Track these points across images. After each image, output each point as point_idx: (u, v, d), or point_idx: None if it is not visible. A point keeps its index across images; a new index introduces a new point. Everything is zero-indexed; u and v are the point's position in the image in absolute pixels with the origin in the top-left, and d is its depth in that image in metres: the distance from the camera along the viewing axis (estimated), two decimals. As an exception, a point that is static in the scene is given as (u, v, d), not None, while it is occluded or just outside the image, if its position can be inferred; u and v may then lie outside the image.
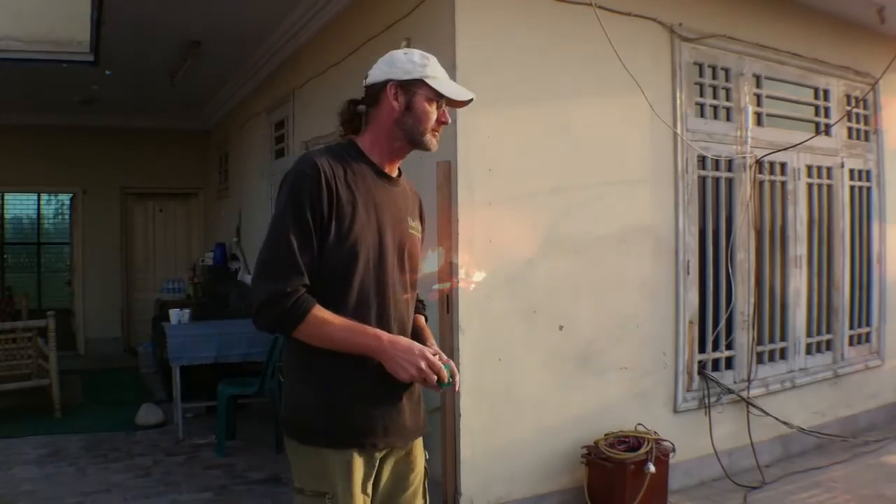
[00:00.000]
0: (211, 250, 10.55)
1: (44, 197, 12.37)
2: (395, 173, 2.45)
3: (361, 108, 2.45)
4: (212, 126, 11.76)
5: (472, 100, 2.40)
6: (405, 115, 2.34)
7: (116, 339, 11.69)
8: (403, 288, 2.42)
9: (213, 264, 10.19)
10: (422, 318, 2.64)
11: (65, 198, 12.24)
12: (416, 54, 2.40)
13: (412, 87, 2.34)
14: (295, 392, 2.35)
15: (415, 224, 2.49)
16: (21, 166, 11.05)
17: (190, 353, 6.40)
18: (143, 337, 10.75)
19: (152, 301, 11.29)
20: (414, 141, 2.37)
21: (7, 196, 12.05)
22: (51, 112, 10.77)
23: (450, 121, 2.40)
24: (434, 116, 2.36)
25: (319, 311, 2.18)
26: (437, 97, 2.35)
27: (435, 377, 2.21)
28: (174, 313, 6.92)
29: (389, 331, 2.29)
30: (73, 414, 7.46)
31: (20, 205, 12.35)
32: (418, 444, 2.51)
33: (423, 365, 2.19)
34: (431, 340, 2.52)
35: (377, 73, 2.41)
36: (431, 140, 2.38)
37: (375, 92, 2.38)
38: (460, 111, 4.25)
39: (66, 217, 12.32)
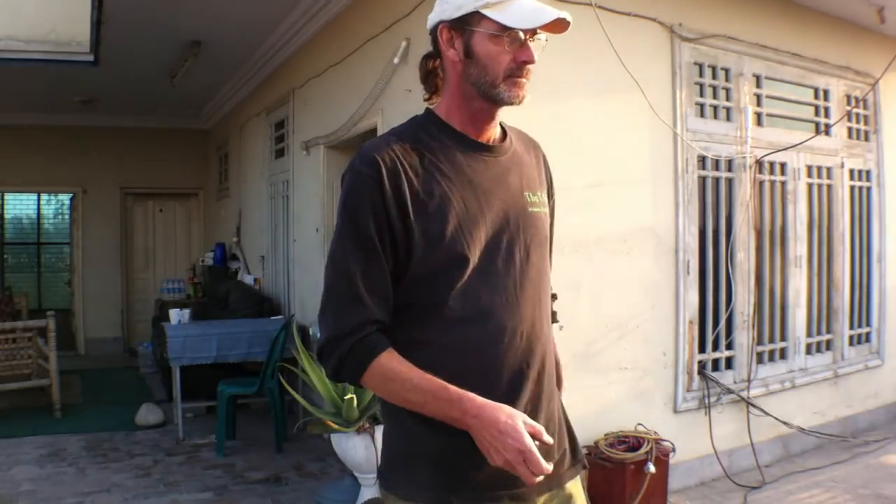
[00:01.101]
0: (211, 250, 10.58)
1: (44, 197, 12.37)
2: (492, 138, 1.89)
3: (436, 63, 1.91)
4: (211, 126, 11.76)
5: (562, 20, 1.78)
6: (468, 66, 1.78)
7: (116, 339, 11.68)
8: (536, 295, 1.84)
9: (213, 264, 10.22)
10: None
11: (65, 198, 12.24)
12: None
13: (468, 24, 1.76)
14: (386, 434, 1.89)
15: (536, 197, 1.89)
16: (21, 166, 11.05)
17: (190, 353, 6.41)
18: (143, 337, 10.75)
19: (152, 301, 11.31)
20: (489, 96, 1.78)
21: (7, 196, 12.05)
22: (51, 112, 10.77)
23: (534, 59, 1.77)
24: (506, 58, 1.75)
25: (387, 362, 1.70)
26: (504, 30, 1.74)
27: (531, 473, 1.59)
28: (174, 313, 6.92)
29: (522, 368, 1.78)
30: (73, 414, 7.45)
31: (20, 205, 12.35)
32: (573, 486, 1.92)
33: (512, 456, 1.59)
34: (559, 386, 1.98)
35: (431, 14, 1.87)
36: (510, 91, 1.76)
37: (434, 41, 1.88)
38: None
39: (66, 217, 12.31)
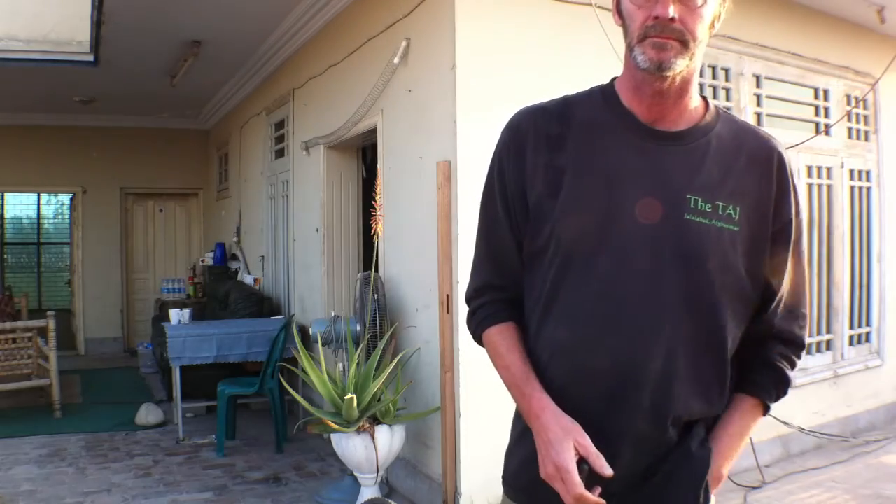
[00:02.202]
0: (211, 250, 10.58)
1: (44, 197, 12.37)
2: (667, 121, 1.60)
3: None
4: (211, 126, 11.76)
5: None
6: (624, 29, 1.57)
7: (116, 339, 11.68)
8: (673, 320, 1.53)
9: (213, 264, 10.22)
10: (750, 406, 1.68)
11: (65, 198, 12.24)
12: None
13: None
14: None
15: (709, 206, 1.54)
16: (21, 166, 11.06)
17: (190, 352, 6.40)
18: (143, 337, 10.76)
19: (152, 301, 11.32)
20: (634, 63, 1.53)
21: (7, 196, 12.04)
22: (51, 112, 10.77)
23: (669, 12, 1.46)
24: (640, 15, 1.50)
25: (494, 336, 1.69)
26: None
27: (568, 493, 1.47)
28: (174, 313, 6.92)
29: (616, 394, 1.55)
30: (73, 414, 7.45)
31: (20, 205, 12.34)
32: None
33: (551, 471, 1.50)
34: (723, 446, 1.65)
35: None
36: (644, 53, 1.49)
37: None
38: (459, 111, 4.28)
39: (66, 217, 12.31)
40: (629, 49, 1.54)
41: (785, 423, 5.71)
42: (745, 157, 1.60)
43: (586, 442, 1.49)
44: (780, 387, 1.67)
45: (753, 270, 1.58)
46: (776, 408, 5.07)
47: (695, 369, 1.55)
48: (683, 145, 1.58)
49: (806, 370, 6.06)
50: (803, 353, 1.71)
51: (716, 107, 1.68)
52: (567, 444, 1.48)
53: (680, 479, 1.59)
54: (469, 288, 1.76)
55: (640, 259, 1.53)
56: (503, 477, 1.75)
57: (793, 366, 1.68)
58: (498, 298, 1.71)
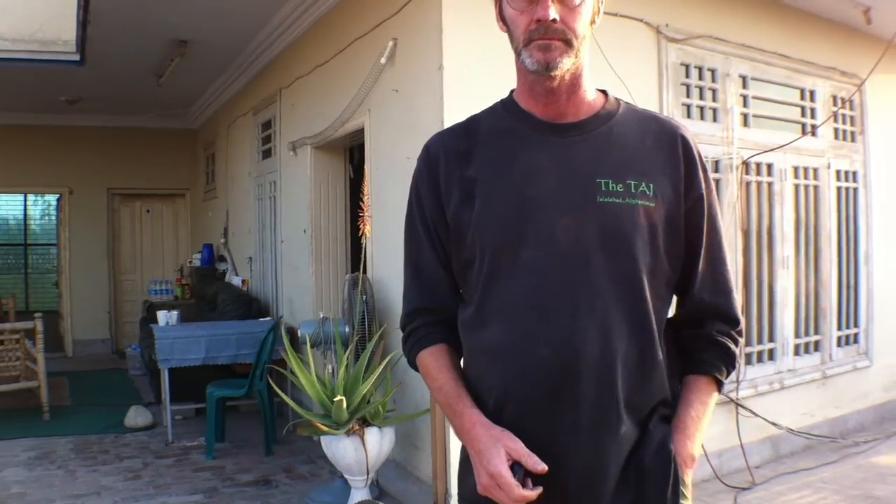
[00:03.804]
0: (198, 251, 10.54)
1: (30, 198, 12.32)
2: (566, 116, 1.65)
3: None
4: (199, 126, 11.72)
5: None
6: (510, 35, 1.63)
7: (104, 341, 11.64)
8: (601, 301, 1.56)
9: (200, 265, 10.19)
10: (702, 384, 1.70)
11: (51, 198, 12.19)
12: None
13: None
14: None
15: (620, 186, 1.58)
16: (7, 167, 11.00)
17: (178, 354, 6.39)
18: (132, 338, 10.73)
19: (140, 302, 11.27)
20: (523, 66, 1.60)
21: (-6, 197, 12.01)
22: (37, 112, 10.72)
23: (549, 14, 1.51)
24: (524, 19, 1.56)
25: (426, 358, 1.73)
26: None
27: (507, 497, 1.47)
28: (162, 315, 6.90)
29: (557, 387, 1.55)
30: (61, 416, 7.41)
31: (6, 206, 12.29)
32: None
33: (485, 480, 1.51)
34: (687, 427, 1.65)
35: None
36: (532, 56, 1.55)
37: None
38: (447, 111, 4.27)
39: (53, 218, 12.27)
40: (517, 53, 1.60)
41: (774, 424, 5.74)
42: (650, 139, 1.65)
43: (516, 445, 1.50)
44: (727, 361, 1.70)
45: (670, 248, 1.62)
46: (765, 410, 5.08)
47: (630, 351, 1.57)
48: (585, 133, 1.63)
49: (794, 371, 6.08)
50: (742, 328, 1.73)
51: (616, 98, 1.73)
52: (497, 451, 1.50)
53: (649, 471, 1.60)
54: (402, 314, 1.79)
55: (563, 248, 1.55)
56: (459, 494, 1.75)
57: (735, 342, 1.71)
58: (428, 321, 1.74)
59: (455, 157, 1.67)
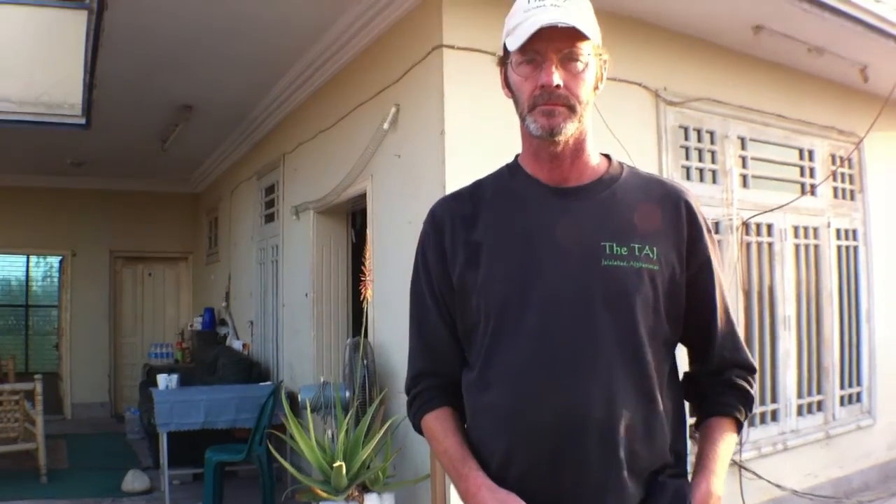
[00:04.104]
0: (200, 315, 10.52)
1: (33, 259, 12.34)
2: (570, 181, 1.68)
3: None
4: (202, 190, 11.80)
5: (556, 27, 1.52)
6: (514, 103, 1.67)
7: (104, 404, 11.55)
8: (603, 364, 1.56)
9: (201, 329, 10.15)
10: (723, 425, 1.73)
11: (54, 260, 12.20)
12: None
13: (505, 59, 1.68)
14: None
15: (624, 250, 1.59)
16: (10, 228, 11.04)
17: (177, 418, 6.33)
18: (131, 402, 10.65)
19: (140, 365, 11.21)
20: (528, 131, 1.64)
21: (-4, 258, 12.04)
22: (41, 174, 10.80)
23: (553, 80, 1.55)
24: (528, 86, 1.59)
25: (430, 422, 1.73)
26: (521, 56, 1.60)
27: None
28: (162, 378, 6.87)
29: (558, 451, 1.55)
30: (59, 479, 7.34)
31: (9, 266, 12.31)
32: None
33: None
34: (711, 463, 1.67)
35: None
36: (536, 122, 1.59)
37: None
38: (448, 176, 4.30)
39: (55, 280, 12.26)
40: (522, 119, 1.64)
41: (778, 485, 5.67)
42: (655, 203, 1.67)
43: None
44: (745, 403, 1.75)
45: (671, 310, 1.64)
46: (769, 471, 5.01)
47: (634, 415, 1.56)
48: (590, 198, 1.66)
49: (798, 432, 6.02)
50: (756, 374, 1.81)
51: (619, 162, 1.76)
52: None
53: None
54: (407, 378, 1.81)
55: (567, 311, 1.57)
56: None
57: (751, 386, 1.76)
58: (433, 385, 1.76)
59: (460, 221, 1.70)
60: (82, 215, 11.47)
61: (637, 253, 1.60)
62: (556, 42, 1.56)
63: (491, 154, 4.40)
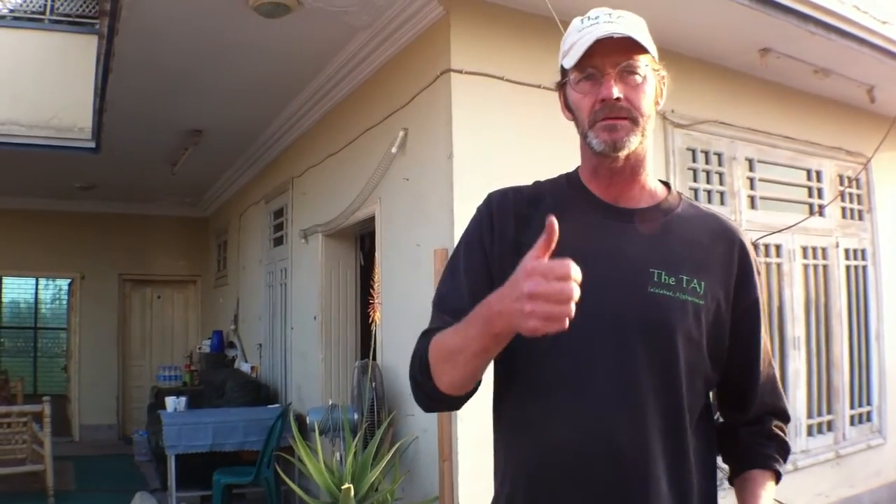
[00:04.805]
0: (208, 338, 10.53)
1: (42, 282, 12.40)
2: (636, 202, 1.66)
3: None
4: (211, 214, 11.85)
5: (614, 38, 1.52)
6: (576, 121, 1.65)
7: (111, 426, 11.54)
8: (635, 396, 1.53)
9: (210, 351, 10.16)
10: (765, 478, 1.69)
11: (63, 283, 12.25)
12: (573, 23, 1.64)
13: (564, 81, 1.66)
14: None
15: (672, 280, 1.56)
16: (20, 250, 11.08)
17: (186, 441, 6.33)
18: (139, 424, 10.63)
19: (148, 388, 11.21)
20: (589, 148, 1.61)
21: (5, 280, 12.07)
22: (51, 197, 10.87)
23: (613, 93, 1.53)
24: (587, 102, 1.57)
25: (437, 337, 1.53)
26: (580, 74, 1.58)
27: (559, 307, 1.23)
28: (170, 401, 6.87)
29: (577, 473, 1.53)
30: (66, 501, 7.34)
31: (18, 289, 12.37)
32: None
33: (526, 289, 1.24)
34: None
35: None
36: (597, 137, 1.56)
37: None
38: (456, 199, 4.31)
39: (64, 302, 12.31)
40: (583, 137, 1.61)
41: (790, 508, 5.63)
42: (709, 237, 1.64)
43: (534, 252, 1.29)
44: (784, 455, 1.73)
45: (713, 349, 1.60)
46: (779, 491, 4.99)
47: (664, 443, 1.53)
48: (646, 222, 1.62)
49: (808, 452, 6.00)
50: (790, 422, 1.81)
51: (678, 192, 1.74)
52: (522, 266, 1.28)
53: None
54: (432, 315, 1.67)
55: (606, 333, 1.53)
56: None
57: (787, 436, 1.76)
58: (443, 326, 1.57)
59: (514, 219, 1.65)
60: (91, 238, 11.50)
61: (685, 285, 1.56)
62: (613, 56, 1.54)
63: (499, 178, 4.41)
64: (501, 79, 4.52)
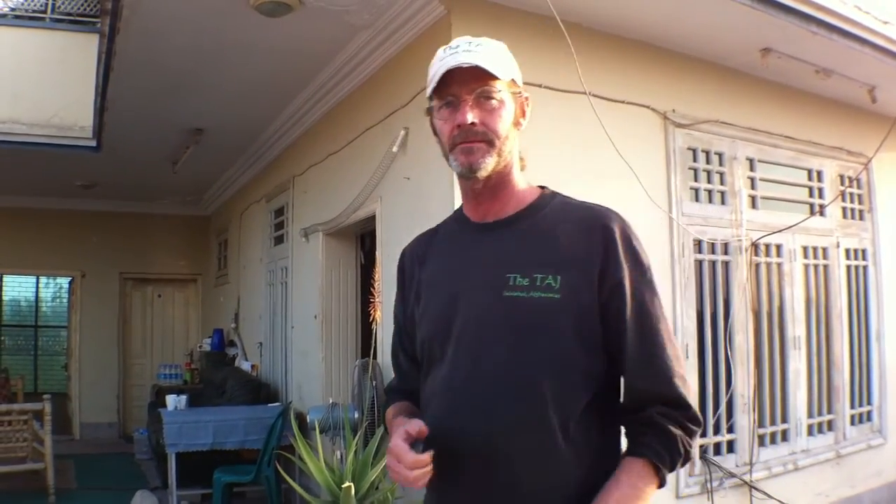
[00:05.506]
0: (209, 336, 10.53)
1: (42, 280, 12.39)
2: (498, 215, 1.76)
3: None
4: (212, 212, 11.85)
5: (464, 68, 1.64)
6: (440, 144, 1.76)
7: (112, 425, 11.54)
8: (496, 391, 1.64)
9: (210, 350, 10.16)
10: (633, 467, 1.63)
11: (63, 281, 12.25)
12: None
13: (430, 105, 1.77)
14: None
15: (525, 281, 1.65)
16: (20, 249, 11.09)
17: (186, 439, 6.34)
18: (139, 422, 10.64)
19: (149, 386, 11.22)
20: (453, 170, 1.73)
21: (6, 278, 12.07)
22: (51, 196, 10.87)
23: (468, 119, 1.65)
24: (447, 127, 1.69)
25: (389, 411, 1.91)
26: (439, 101, 1.71)
27: (406, 482, 1.58)
28: (171, 399, 6.87)
29: (451, 467, 1.64)
30: (67, 499, 7.35)
31: (19, 287, 12.37)
32: None
33: (387, 460, 1.62)
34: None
35: None
36: (457, 160, 1.68)
37: None
38: (457, 198, 4.31)
39: (65, 301, 12.31)
40: (446, 160, 1.73)
41: (789, 507, 5.64)
42: (572, 231, 1.69)
43: (408, 426, 1.60)
44: (667, 444, 1.62)
45: (584, 338, 1.64)
46: (779, 491, 4.95)
47: (525, 442, 1.61)
48: (509, 230, 1.73)
49: (808, 452, 5.99)
50: (695, 414, 1.66)
51: (553, 193, 1.83)
52: (395, 436, 1.61)
53: None
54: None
55: (473, 342, 1.67)
56: None
57: (683, 427, 1.64)
58: (399, 394, 1.96)
59: (417, 261, 1.88)
60: (92, 237, 11.51)
61: (538, 283, 1.64)
62: (469, 84, 1.66)
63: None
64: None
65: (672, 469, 1.63)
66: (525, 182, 1.81)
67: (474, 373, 1.65)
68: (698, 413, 1.67)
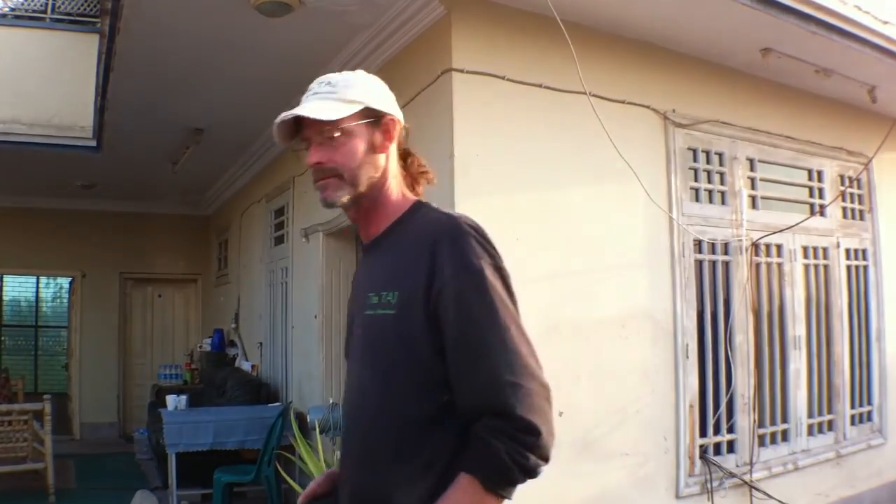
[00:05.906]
0: (209, 336, 10.53)
1: (43, 280, 12.40)
2: (375, 234, 1.86)
3: None
4: (212, 212, 11.85)
5: (290, 116, 1.78)
6: None
7: (112, 425, 11.54)
8: (362, 402, 1.77)
9: (210, 350, 10.16)
10: (458, 483, 1.59)
11: (64, 281, 12.27)
12: None
13: None
14: None
15: (377, 298, 1.73)
16: (20, 249, 11.09)
17: (186, 439, 6.34)
18: (140, 422, 10.64)
19: (149, 386, 11.21)
20: None
21: (6, 278, 12.08)
22: (52, 196, 10.87)
23: (311, 160, 1.79)
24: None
25: None
26: (302, 141, 1.85)
27: None
28: (171, 399, 6.88)
29: (344, 467, 1.85)
30: (67, 499, 7.36)
31: (19, 287, 12.38)
32: None
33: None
34: None
35: None
36: (320, 195, 1.80)
37: None
38: (457, 198, 4.31)
39: (65, 301, 12.32)
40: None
41: (789, 507, 5.64)
42: (411, 244, 1.73)
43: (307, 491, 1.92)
44: (486, 459, 1.57)
45: (423, 350, 1.65)
46: (780, 491, 4.92)
47: (372, 449, 1.71)
48: (379, 248, 1.83)
49: (808, 452, 5.99)
50: (527, 423, 1.58)
51: (421, 204, 1.86)
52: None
53: None
54: None
55: (353, 360, 1.85)
56: None
57: (512, 437, 1.56)
58: None
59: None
60: (92, 237, 11.51)
61: (381, 300, 1.70)
62: (314, 126, 1.76)
63: (499, 177, 4.45)
64: (503, 78, 4.52)
65: (504, 483, 1.58)
66: (404, 197, 1.87)
67: (351, 387, 1.83)
68: (534, 421, 1.58)
